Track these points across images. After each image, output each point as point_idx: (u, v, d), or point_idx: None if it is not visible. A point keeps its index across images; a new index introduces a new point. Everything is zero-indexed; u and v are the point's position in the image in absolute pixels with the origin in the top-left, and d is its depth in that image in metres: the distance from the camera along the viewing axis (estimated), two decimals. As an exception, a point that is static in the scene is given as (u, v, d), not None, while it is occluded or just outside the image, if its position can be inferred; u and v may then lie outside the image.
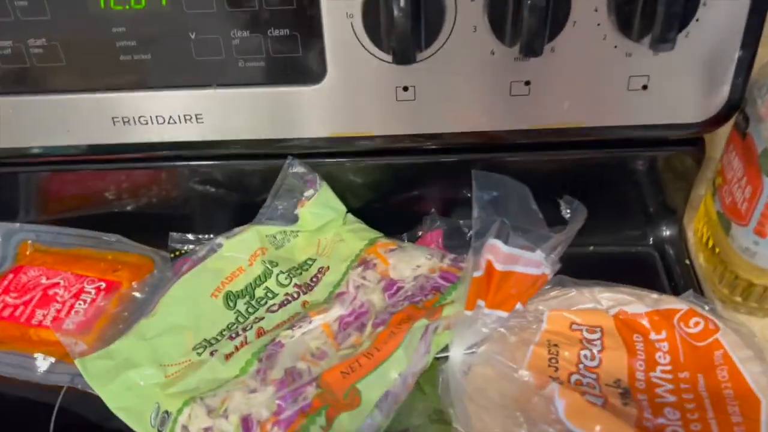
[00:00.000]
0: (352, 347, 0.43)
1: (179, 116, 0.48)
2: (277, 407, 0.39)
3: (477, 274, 0.43)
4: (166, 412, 0.42)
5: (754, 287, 0.49)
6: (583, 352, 0.44)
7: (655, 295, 0.48)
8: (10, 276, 0.55)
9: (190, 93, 0.47)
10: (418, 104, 0.47)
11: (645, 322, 0.46)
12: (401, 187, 0.55)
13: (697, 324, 0.46)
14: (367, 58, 0.45)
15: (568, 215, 0.45)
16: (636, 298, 0.48)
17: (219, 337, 0.47)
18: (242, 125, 0.49)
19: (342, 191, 0.54)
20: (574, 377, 0.43)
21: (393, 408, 0.41)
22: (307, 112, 0.48)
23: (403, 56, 0.42)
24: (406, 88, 0.46)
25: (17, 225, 0.58)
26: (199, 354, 0.46)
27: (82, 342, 0.48)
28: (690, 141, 0.51)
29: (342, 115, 0.48)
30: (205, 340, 0.47)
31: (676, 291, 0.53)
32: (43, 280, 0.54)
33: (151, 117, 0.48)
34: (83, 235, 0.57)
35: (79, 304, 0.52)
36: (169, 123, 0.49)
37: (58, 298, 0.53)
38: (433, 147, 0.50)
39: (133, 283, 0.51)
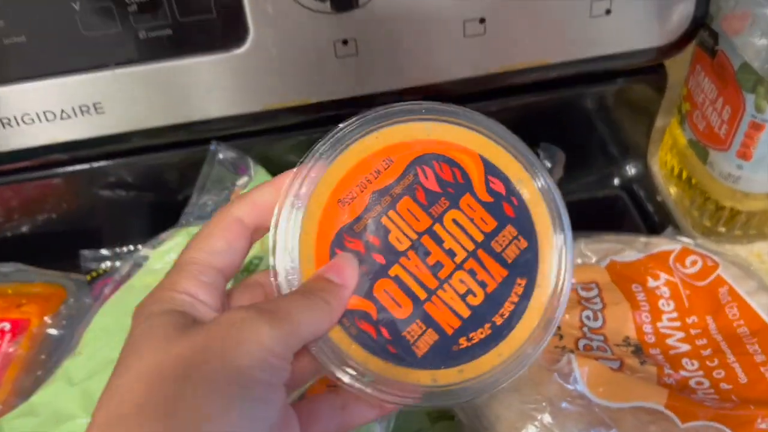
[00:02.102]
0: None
1: (73, 109, 0.39)
2: None
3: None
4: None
5: (739, 215, 0.46)
6: (584, 314, 0.40)
7: (642, 239, 0.45)
8: None
9: (83, 78, 0.39)
10: (361, 60, 0.40)
11: (639, 269, 0.42)
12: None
13: (694, 263, 0.42)
14: (297, 10, 0.38)
15: (548, 165, 0.41)
16: (624, 244, 0.44)
17: (165, 366, 0.39)
18: (152, 110, 0.40)
19: (277, 173, 0.47)
20: (582, 342, 0.38)
21: (392, 417, 0.35)
22: (231, 84, 0.40)
23: (343, 1, 0.35)
24: (345, 42, 0.40)
25: None
26: (145, 390, 0.38)
27: (-7, 401, 0.39)
28: (651, 68, 0.48)
29: (273, 83, 0.41)
30: (148, 372, 0.39)
31: (653, 230, 0.50)
32: (-72, 332, 0.44)
33: (37, 114, 0.39)
34: (-29, 270, 0.47)
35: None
36: (62, 118, 0.40)
37: (-47, 351, 0.43)
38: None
39: (45, 318, 0.42)
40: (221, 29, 0.38)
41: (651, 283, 0.42)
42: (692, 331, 0.40)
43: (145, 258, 0.44)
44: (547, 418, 0.34)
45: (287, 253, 0.28)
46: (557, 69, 0.43)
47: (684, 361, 0.38)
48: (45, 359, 0.41)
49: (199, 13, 0.37)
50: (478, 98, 0.46)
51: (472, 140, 0.30)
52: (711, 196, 0.46)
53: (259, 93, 0.41)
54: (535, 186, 0.30)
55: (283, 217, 0.28)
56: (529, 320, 0.29)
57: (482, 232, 0.29)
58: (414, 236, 0.29)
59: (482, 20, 0.40)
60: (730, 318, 0.40)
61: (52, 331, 0.42)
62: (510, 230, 0.30)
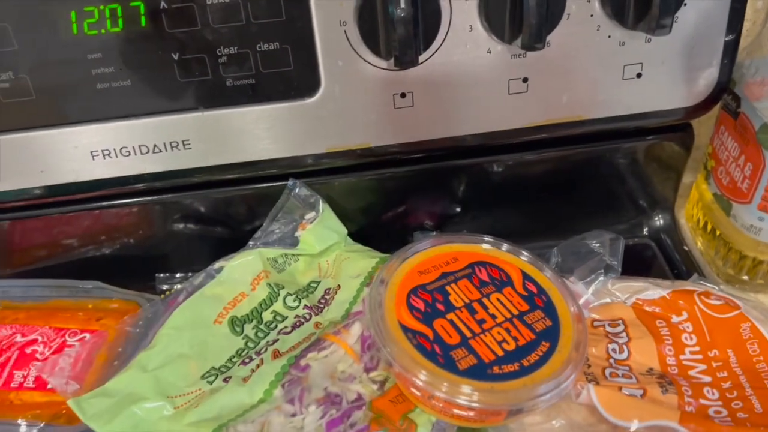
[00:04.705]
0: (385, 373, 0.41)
1: (165, 144, 0.45)
2: (326, 429, 0.37)
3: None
4: (191, 444, 0.38)
5: (761, 264, 0.49)
6: (610, 347, 0.44)
7: (667, 282, 0.48)
8: (-21, 339, 0.50)
9: (175, 118, 0.45)
10: (416, 111, 0.46)
11: (664, 306, 0.46)
12: (396, 201, 0.53)
13: (718, 298, 0.45)
14: (363, 66, 0.43)
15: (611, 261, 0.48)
16: (650, 284, 0.47)
17: (229, 364, 0.44)
18: (233, 148, 0.46)
19: (337, 212, 0.52)
20: (608, 371, 0.42)
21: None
22: (300, 128, 0.46)
23: (406, 60, 0.41)
24: (404, 95, 0.45)
25: (-23, 282, 0.53)
26: (210, 382, 0.42)
27: (74, 382, 0.43)
28: (679, 127, 0.52)
29: (337, 129, 0.46)
30: (214, 368, 0.43)
31: (679, 277, 0.53)
32: (18, 339, 0.49)
33: (133, 147, 0.45)
34: (57, 285, 0.53)
35: (64, 359, 0.48)
36: (154, 152, 0.46)
37: (38, 356, 0.48)
38: (431, 154, 0.49)
39: (126, 317, 0.47)
40: (297, 81, 0.44)
41: (674, 318, 0.45)
42: (714, 364, 0.43)
43: (219, 270, 0.49)
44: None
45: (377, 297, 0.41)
46: (591, 124, 0.48)
47: (705, 390, 0.41)
48: (122, 352, 0.45)
49: (280, 66, 0.43)
50: (519, 149, 0.51)
51: (516, 260, 0.45)
52: (734, 246, 0.50)
53: (324, 137, 0.46)
54: (558, 291, 0.42)
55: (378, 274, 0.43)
56: (550, 367, 0.38)
57: (518, 309, 0.41)
58: (467, 300, 0.41)
59: (525, 80, 0.45)
60: (750, 353, 0.43)
61: (131, 329, 0.46)
62: (539, 313, 0.41)
